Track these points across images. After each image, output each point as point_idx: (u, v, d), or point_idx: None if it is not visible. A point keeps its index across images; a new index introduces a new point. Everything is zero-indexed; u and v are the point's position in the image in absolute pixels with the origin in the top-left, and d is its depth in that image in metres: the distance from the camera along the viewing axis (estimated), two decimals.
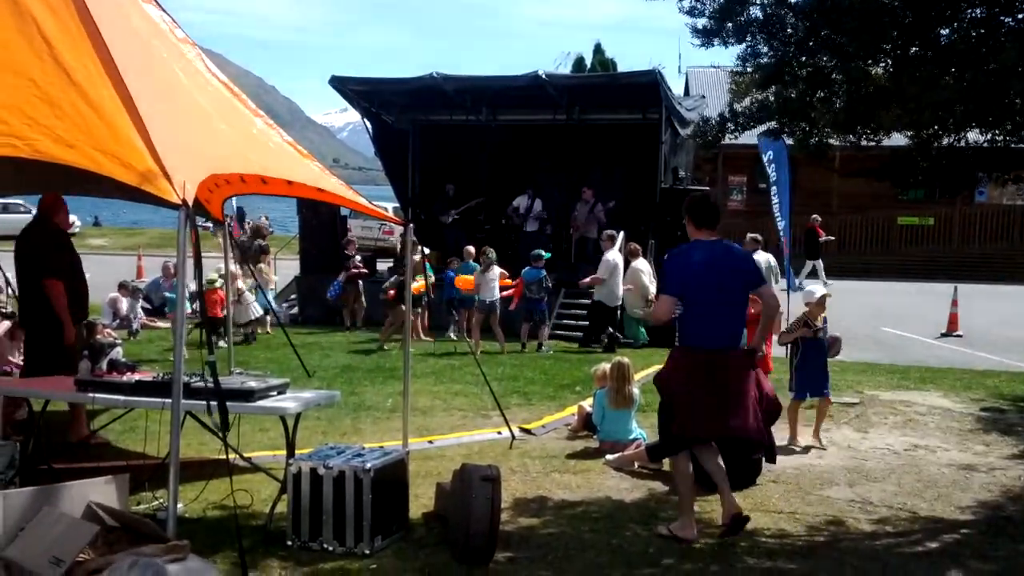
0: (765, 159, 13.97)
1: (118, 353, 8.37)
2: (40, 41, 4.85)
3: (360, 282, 15.02)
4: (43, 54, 4.80)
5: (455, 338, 13.22)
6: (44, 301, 6.81)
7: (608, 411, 7.30)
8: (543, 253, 13.30)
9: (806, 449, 7.52)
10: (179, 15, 6.14)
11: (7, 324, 8.41)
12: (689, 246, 5.45)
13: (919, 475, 6.88)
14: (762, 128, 7.04)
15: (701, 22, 6.50)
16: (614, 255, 13.59)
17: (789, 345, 7.88)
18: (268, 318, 13.86)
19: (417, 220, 16.15)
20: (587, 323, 13.92)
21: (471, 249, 13.95)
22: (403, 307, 8.11)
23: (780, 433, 7.80)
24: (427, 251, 13.95)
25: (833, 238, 24.34)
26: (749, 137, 7.34)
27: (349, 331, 14.41)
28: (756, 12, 6.39)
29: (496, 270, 12.92)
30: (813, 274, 22.36)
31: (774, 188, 14.06)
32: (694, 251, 5.38)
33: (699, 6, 6.48)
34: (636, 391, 7.43)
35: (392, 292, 13.02)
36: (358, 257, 15.30)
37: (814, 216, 22.99)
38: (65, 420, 7.04)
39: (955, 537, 5.57)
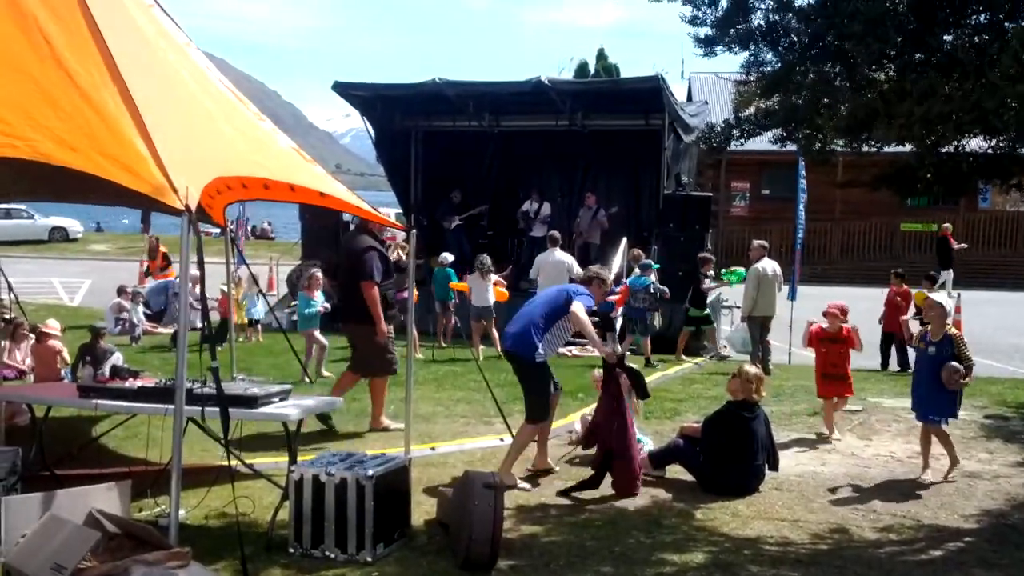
0: (802, 164, 13.87)
1: (119, 359, 8.37)
2: (42, 42, 4.81)
3: None
4: (44, 55, 4.77)
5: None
6: (362, 301, 7.69)
7: None
8: (652, 263, 13.04)
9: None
10: (182, 20, 6.13)
11: None
12: None
13: (923, 483, 6.85)
14: (767, 135, 7.04)
15: (703, 31, 6.50)
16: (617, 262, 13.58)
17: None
18: (259, 326, 13.98)
19: (420, 226, 16.09)
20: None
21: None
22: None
23: (794, 439, 7.79)
24: (452, 257, 13.83)
25: (966, 245, 23.30)
26: (753, 143, 7.31)
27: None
28: (759, 20, 6.38)
29: (492, 277, 12.83)
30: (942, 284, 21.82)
31: (802, 196, 14.01)
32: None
33: (700, 15, 6.48)
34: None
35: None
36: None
37: (946, 224, 22.35)
38: (66, 427, 7.03)
39: (959, 545, 5.55)
